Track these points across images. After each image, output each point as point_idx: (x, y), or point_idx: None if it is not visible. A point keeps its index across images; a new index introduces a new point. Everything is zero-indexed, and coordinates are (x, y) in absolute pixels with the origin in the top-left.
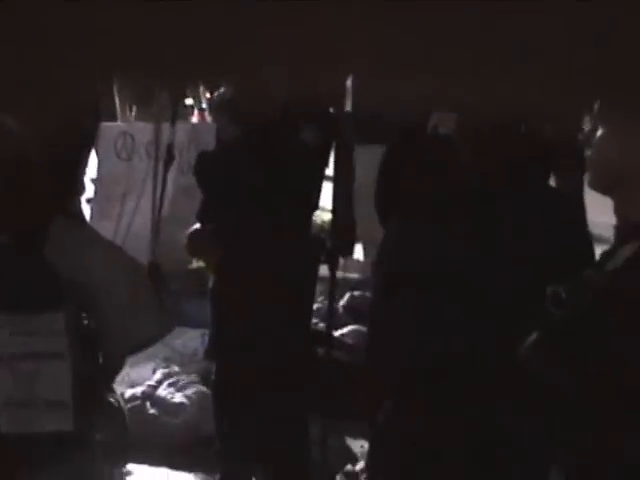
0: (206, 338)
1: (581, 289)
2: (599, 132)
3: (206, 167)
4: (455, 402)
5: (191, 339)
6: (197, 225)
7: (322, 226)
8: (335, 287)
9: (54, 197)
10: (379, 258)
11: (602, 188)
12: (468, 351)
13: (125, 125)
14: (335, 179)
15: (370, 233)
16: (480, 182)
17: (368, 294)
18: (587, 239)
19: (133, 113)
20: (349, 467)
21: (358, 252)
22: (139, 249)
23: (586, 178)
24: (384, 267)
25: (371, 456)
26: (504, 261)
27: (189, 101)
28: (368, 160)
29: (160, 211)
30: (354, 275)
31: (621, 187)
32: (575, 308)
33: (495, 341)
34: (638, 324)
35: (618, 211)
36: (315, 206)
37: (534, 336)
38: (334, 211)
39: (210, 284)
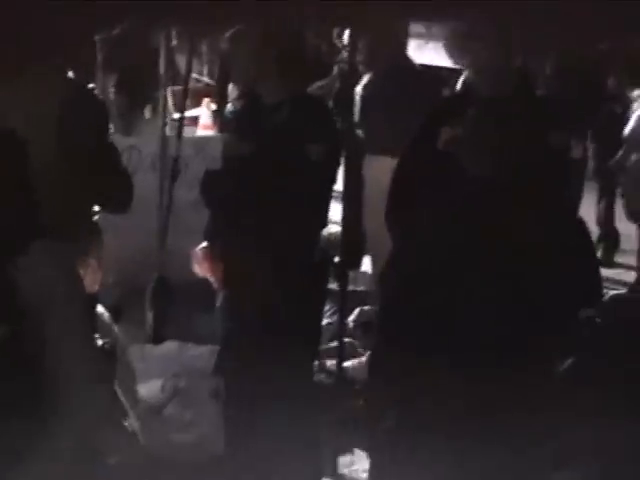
0: (216, 353)
1: (614, 310)
2: (632, 157)
3: (212, 185)
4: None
5: (201, 354)
6: (204, 243)
7: (330, 239)
8: (345, 302)
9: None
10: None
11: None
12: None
13: (132, 139)
14: (344, 191)
15: (379, 245)
16: (485, 195)
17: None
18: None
19: None
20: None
21: (367, 265)
22: (146, 263)
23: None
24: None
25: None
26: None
27: (195, 112)
28: (377, 171)
29: (167, 225)
30: (363, 289)
31: None
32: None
33: None
34: None
35: None
36: (324, 222)
37: (569, 361)
38: (343, 224)
39: (218, 301)
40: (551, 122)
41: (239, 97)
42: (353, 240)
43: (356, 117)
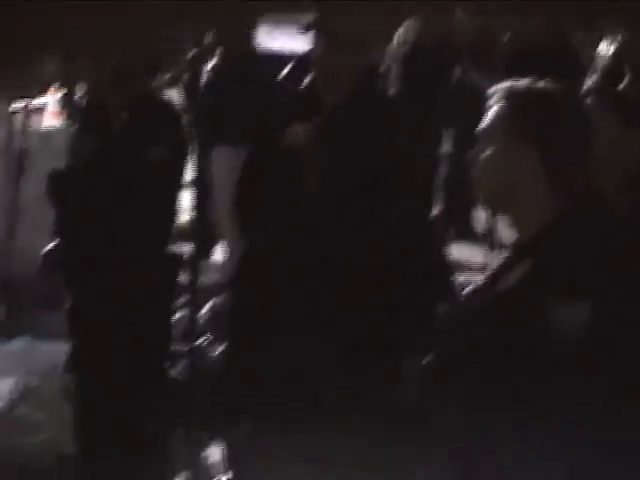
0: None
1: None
2: (485, 152)
3: (57, 185)
4: None
5: (51, 352)
6: (52, 244)
7: (182, 229)
8: (196, 296)
9: None
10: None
11: (491, 206)
12: None
13: None
14: (194, 182)
15: (230, 233)
16: (330, 195)
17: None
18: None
19: None
20: None
21: (217, 254)
22: None
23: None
24: None
25: None
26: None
27: (40, 101)
28: (224, 161)
29: (14, 221)
30: (215, 280)
31: (509, 206)
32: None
33: None
34: (530, 340)
35: (507, 229)
36: (172, 218)
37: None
38: (193, 214)
39: (68, 300)
40: (398, 122)
41: (86, 93)
42: (204, 229)
43: (204, 105)
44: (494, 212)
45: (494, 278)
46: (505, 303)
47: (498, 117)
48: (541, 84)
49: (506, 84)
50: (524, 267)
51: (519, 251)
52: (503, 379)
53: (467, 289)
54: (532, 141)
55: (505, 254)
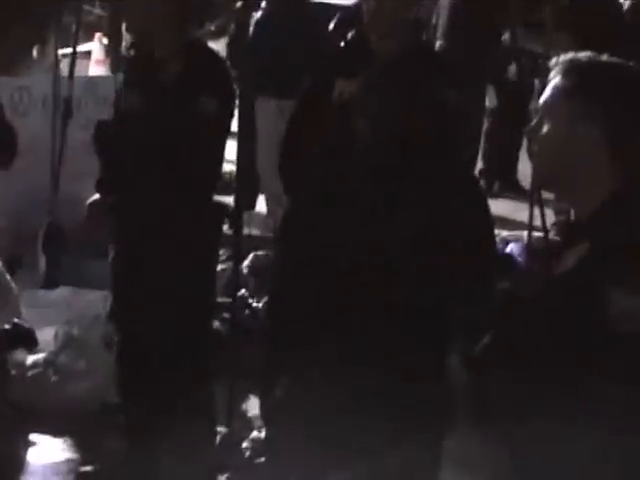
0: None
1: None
2: (545, 127)
3: (104, 137)
4: None
5: (93, 301)
6: (96, 196)
7: (227, 179)
8: (240, 248)
9: None
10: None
11: (547, 185)
12: None
13: (21, 79)
14: (238, 133)
15: (272, 185)
16: (376, 156)
17: (271, 253)
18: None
19: None
20: (255, 434)
21: (260, 205)
22: (36, 207)
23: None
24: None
25: None
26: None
27: (87, 47)
28: (269, 113)
29: (59, 168)
30: (257, 232)
31: (566, 185)
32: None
33: None
34: (588, 324)
35: (563, 210)
36: (218, 169)
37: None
38: (237, 164)
39: (110, 253)
40: (446, 80)
41: (131, 46)
42: (247, 180)
43: (250, 57)
44: (552, 191)
45: (552, 259)
46: (563, 285)
47: (559, 91)
48: (604, 57)
49: (567, 56)
50: (582, 248)
51: (577, 232)
52: (559, 363)
53: (525, 271)
54: (594, 117)
55: (562, 234)
